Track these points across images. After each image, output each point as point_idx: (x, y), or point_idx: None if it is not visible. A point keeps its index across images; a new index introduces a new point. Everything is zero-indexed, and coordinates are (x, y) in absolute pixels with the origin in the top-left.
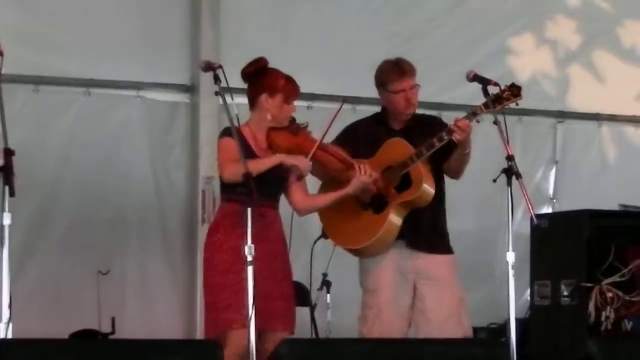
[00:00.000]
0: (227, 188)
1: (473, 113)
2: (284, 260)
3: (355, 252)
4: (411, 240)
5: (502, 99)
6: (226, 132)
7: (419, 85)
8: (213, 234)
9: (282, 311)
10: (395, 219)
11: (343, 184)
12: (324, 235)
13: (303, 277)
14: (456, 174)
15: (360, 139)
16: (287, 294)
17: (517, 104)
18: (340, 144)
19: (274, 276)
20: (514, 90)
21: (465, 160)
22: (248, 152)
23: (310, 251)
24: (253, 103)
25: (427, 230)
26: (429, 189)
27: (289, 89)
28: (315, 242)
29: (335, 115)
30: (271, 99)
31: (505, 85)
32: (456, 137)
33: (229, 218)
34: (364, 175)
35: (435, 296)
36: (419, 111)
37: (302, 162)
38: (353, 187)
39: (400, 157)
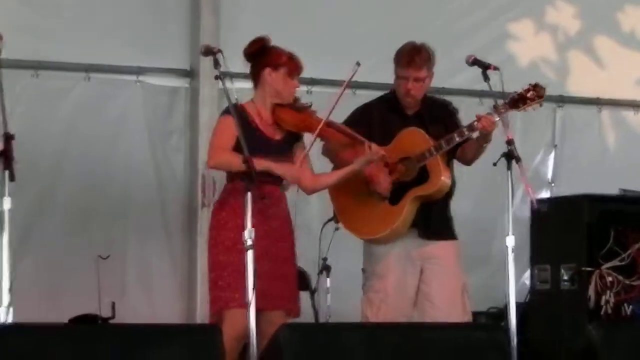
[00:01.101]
0: None
1: (496, 111)
2: (289, 239)
3: (367, 240)
4: (423, 230)
5: (527, 99)
6: (228, 111)
7: (427, 79)
8: (218, 213)
9: (282, 292)
10: (410, 210)
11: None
12: (335, 219)
13: (303, 261)
14: (470, 162)
15: (374, 121)
16: (289, 275)
17: (540, 105)
18: (354, 126)
19: (276, 256)
20: (539, 91)
21: (482, 152)
22: (252, 130)
23: (320, 233)
24: (257, 80)
25: (437, 219)
26: (446, 183)
27: (292, 64)
28: (324, 225)
29: (345, 87)
30: (275, 73)
31: (530, 85)
32: (482, 131)
33: (233, 196)
34: (371, 151)
35: (441, 281)
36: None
37: (289, 172)
38: (359, 163)
39: (418, 148)
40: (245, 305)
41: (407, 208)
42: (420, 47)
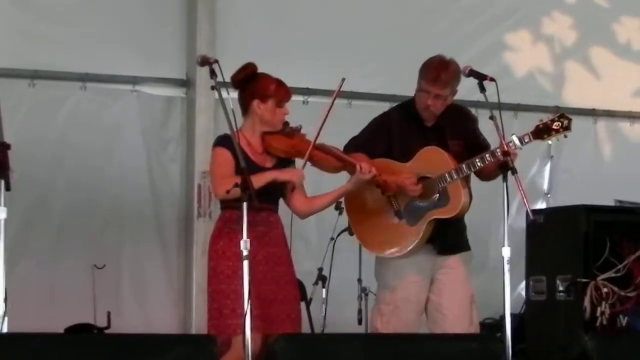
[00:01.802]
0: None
1: (520, 140)
2: (287, 264)
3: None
4: (440, 247)
5: (552, 129)
6: (220, 142)
7: (450, 96)
8: (215, 242)
9: (288, 314)
10: (428, 232)
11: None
12: (350, 231)
13: (299, 272)
14: (487, 180)
15: (393, 133)
16: (291, 297)
17: (565, 136)
18: (373, 138)
19: (276, 280)
20: (564, 122)
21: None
22: (245, 159)
23: (333, 244)
24: (245, 109)
25: (454, 234)
26: (466, 206)
27: (281, 93)
28: (338, 235)
29: (326, 116)
30: (263, 105)
31: (555, 115)
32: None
33: (229, 225)
34: (362, 172)
35: (452, 292)
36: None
37: (295, 175)
38: (352, 184)
39: (438, 169)
40: (252, 329)
41: (425, 230)
42: (448, 63)
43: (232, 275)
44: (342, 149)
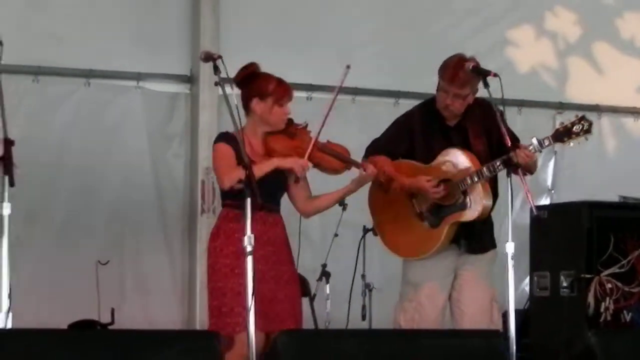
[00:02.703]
0: (227, 192)
1: (540, 143)
2: (288, 263)
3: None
4: (465, 248)
5: (572, 132)
6: (221, 137)
7: (470, 96)
8: (214, 240)
9: (289, 313)
10: (450, 234)
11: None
12: (374, 231)
13: (303, 268)
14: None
15: (416, 133)
16: (295, 296)
17: (586, 139)
18: (396, 139)
19: (278, 279)
20: (585, 125)
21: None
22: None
23: (358, 245)
24: (247, 109)
25: (481, 235)
26: (487, 209)
27: (280, 91)
28: (365, 234)
29: (332, 105)
30: (262, 103)
31: (576, 116)
32: (521, 161)
33: (228, 223)
34: (365, 172)
35: (472, 290)
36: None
37: (298, 164)
38: (355, 184)
39: (460, 171)
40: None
41: (446, 233)
42: (462, 64)
43: (230, 273)
44: (347, 146)
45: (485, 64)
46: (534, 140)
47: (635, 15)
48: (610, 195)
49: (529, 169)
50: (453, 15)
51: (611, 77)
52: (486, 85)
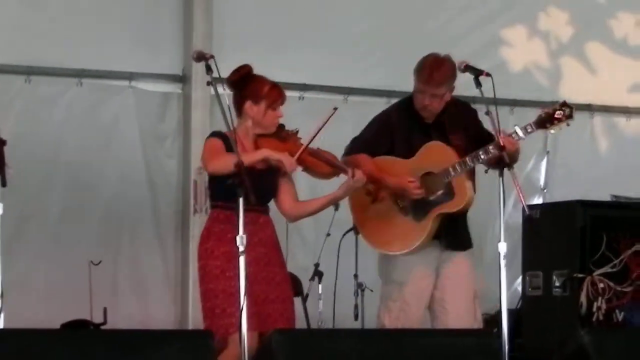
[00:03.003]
0: (216, 194)
1: (523, 130)
2: (279, 265)
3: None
4: (446, 241)
5: (554, 118)
6: (214, 134)
7: (447, 94)
8: (204, 242)
9: (281, 313)
10: (434, 227)
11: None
12: (355, 230)
13: (296, 268)
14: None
15: (395, 132)
16: (287, 297)
17: (568, 125)
18: (375, 137)
19: (270, 280)
20: (566, 111)
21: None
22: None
23: (339, 244)
24: (239, 111)
25: (461, 231)
26: (471, 199)
27: (274, 95)
28: (344, 234)
29: (325, 123)
30: (255, 106)
31: (557, 104)
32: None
33: (218, 224)
34: (353, 178)
35: (455, 287)
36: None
37: (287, 159)
38: (343, 191)
39: (442, 163)
40: (247, 328)
41: (431, 226)
42: (442, 61)
43: (220, 275)
44: (340, 147)
45: (478, 63)
46: (517, 128)
47: (628, 15)
48: (603, 194)
49: (513, 157)
50: (446, 15)
51: (604, 77)
52: (478, 85)
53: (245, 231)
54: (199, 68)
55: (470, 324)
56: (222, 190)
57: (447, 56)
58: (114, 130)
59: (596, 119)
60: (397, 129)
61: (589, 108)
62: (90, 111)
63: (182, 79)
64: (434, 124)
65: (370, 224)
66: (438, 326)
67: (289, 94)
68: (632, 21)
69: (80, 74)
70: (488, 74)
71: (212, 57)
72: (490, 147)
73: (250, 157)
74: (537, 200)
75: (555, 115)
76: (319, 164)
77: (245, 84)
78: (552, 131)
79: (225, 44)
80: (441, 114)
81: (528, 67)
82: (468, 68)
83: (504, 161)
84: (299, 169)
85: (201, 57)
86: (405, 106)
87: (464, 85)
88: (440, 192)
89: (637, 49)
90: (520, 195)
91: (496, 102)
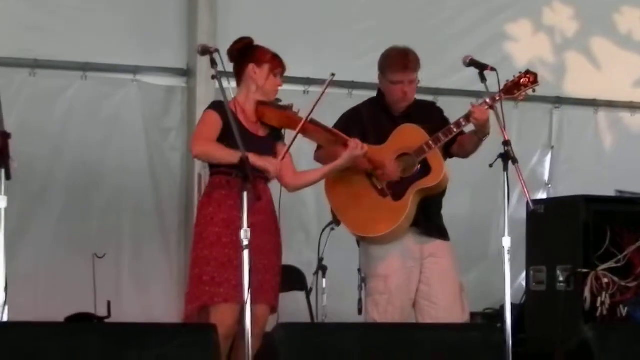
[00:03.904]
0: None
1: (492, 99)
2: (274, 233)
3: (368, 239)
4: (424, 227)
5: (521, 85)
6: (213, 105)
7: (419, 80)
8: (204, 208)
9: (262, 284)
10: (414, 204)
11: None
12: (336, 222)
13: (300, 262)
14: (466, 156)
15: (366, 123)
16: (273, 267)
17: (533, 91)
18: (346, 130)
19: (262, 247)
20: (531, 77)
21: (480, 145)
22: (237, 126)
23: (319, 239)
24: (240, 77)
25: (435, 217)
26: (447, 175)
27: (276, 62)
28: (324, 230)
29: (325, 89)
30: (259, 69)
31: (520, 72)
32: (476, 122)
33: (218, 190)
34: (355, 147)
35: (442, 280)
36: (417, 96)
37: (271, 164)
38: (344, 160)
39: (415, 143)
40: (229, 300)
41: (411, 201)
42: (407, 50)
43: (216, 242)
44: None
45: (482, 58)
46: (486, 98)
47: (633, 10)
48: (607, 189)
49: (484, 128)
50: (451, 9)
51: (608, 72)
52: (483, 79)
53: (249, 200)
54: (203, 62)
55: (460, 317)
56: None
57: (406, 46)
58: (118, 124)
59: (601, 114)
60: (368, 121)
61: (593, 103)
62: (95, 104)
63: (187, 72)
64: (402, 116)
65: (351, 210)
66: (426, 321)
67: (293, 87)
68: (636, 16)
69: (85, 67)
70: (493, 69)
71: (216, 50)
72: (461, 119)
73: (232, 158)
74: (542, 195)
75: (521, 82)
76: (320, 132)
77: (247, 51)
78: (520, 98)
79: (230, 38)
80: (407, 108)
81: (532, 62)
82: (473, 62)
83: (509, 155)
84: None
85: (206, 51)
86: (375, 102)
87: (468, 80)
88: (416, 169)
89: None
90: (525, 189)
91: (501, 97)
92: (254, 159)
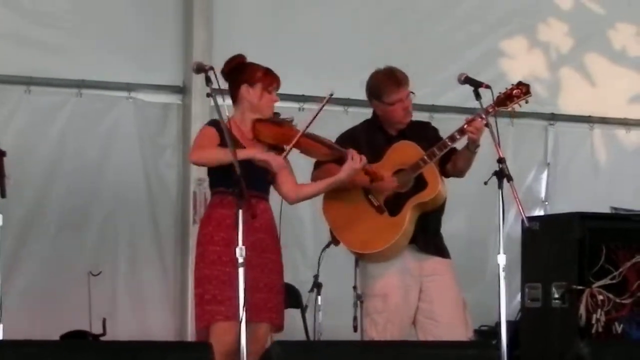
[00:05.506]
0: (216, 181)
1: (486, 111)
2: (275, 252)
3: (367, 256)
4: (422, 243)
5: (513, 96)
6: (211, 123)
7: (413, 93)
8: (204, 227)
9: (265, 303)
10: (412, 219)
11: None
12: (334, 242)
13: (295, 279)
14: (461, 174)
15: (361, 142)
16: (275, 286)
17: (527, 102)
18: (342, 145)
19: (263, 267)
20: (523, 89)
21: (473, 159)
22: (234, 144)
23: (318, 258)
24: (235, 97)
25: (433, 233)
26: (444, 190)
27: (268, 78)
28: (324, 249)
29: (323, 106)
30: (252, 89)
31: (512, 84)
32: (471, 136)
33: (220, 209)
34: (353, 161)
35: (443, 298)
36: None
37: (273, 158)
38: (345, 172)
39: (411, 159)
40: (231, 318)
41: (409, 216)
42: (391, 68)
43: (217, 260)
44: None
45: (477, 75)
46: (481, 112)
47: (627, 26)
48: (603, 206)
49: (477, 142)
50: (446, 26)
51: (603, 88)
52: (478, 96)
53: (245, 218)
54: (198, 79)
55: (462, 334)
56: (221, 176)
57: (386, 66)
58: (114, 141)
59: (596, 130)
60: (363, 141)
61: (588, 120)
62: (90, 122)
63: (182, 90)
64: (398, 135)
65: (349, 229)
66: (428, 339)
67: (288, 104)
68: (631, 32)
69: (80, 84)
70: (488, 86)
71: (211, 68)
72: (456, 133)
73: (230, 156)
74: (539, 212)
75: (514, 94)
76: (316, 145)
77: (240, 70)
78: (512, 109)
79: (226, 55)
80: (403, 128)
81: (527, 78)
82: (467, 80)
83: (503, 173)
84: (297, 152)
85: (201, 69)
86: (370, 124)
87: (463, 97)
88: (412, 185)
89: (636, 61)
90: (520, 206)
91: (496, 113)
92: (254, 152)
